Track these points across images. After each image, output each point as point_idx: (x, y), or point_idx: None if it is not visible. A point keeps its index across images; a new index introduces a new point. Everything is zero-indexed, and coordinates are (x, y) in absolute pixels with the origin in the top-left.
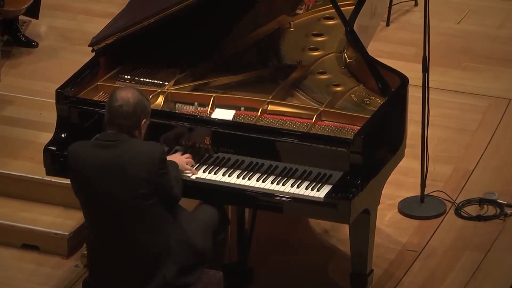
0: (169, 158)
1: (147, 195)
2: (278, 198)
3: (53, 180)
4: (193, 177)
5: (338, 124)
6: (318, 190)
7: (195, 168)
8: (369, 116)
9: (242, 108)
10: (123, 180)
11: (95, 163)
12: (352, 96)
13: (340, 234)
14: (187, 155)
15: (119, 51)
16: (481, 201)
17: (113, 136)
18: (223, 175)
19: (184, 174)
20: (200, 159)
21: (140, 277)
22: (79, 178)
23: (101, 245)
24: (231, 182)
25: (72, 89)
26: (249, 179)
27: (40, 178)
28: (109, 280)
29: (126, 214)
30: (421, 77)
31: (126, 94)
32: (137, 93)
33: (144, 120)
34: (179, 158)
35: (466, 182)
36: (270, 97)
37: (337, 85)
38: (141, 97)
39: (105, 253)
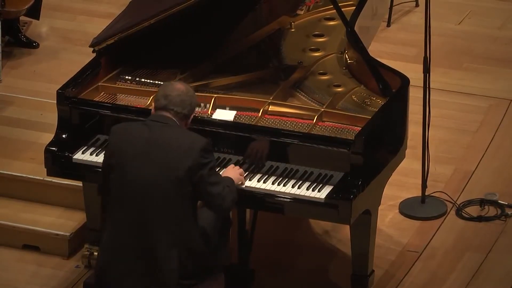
0: (224, 173)
1: (181, 181)
2: (279, 198)
3: (54, 180)
4: None
5: (339, 125)
6: (319, 191)
7: None
8: (370, 117)
9: (243, 109)
10: (162, 161)
11: (137, 139)
12: (353, 96)
13: (340, 235)
14: (239, 170)
15: (120, 52)
16: (482, 202)
17: (164, 118)
18: None
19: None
20: None
21: (146, 271)
22: (116, 155)
23: (116, 230)
24: None
25: (73, 89)
26: (250, 179)
27: (41, 178)
28: (115, 266)
29: (154, 199)
30: (422, 78)
31: (182, 86)
32: (190, 88)
33: (192, 115)
34: (233, 173)
35: (467, 183)
36: (271, 98)
37: (338, 86)
38: (193, 92)
39: (119, 239)
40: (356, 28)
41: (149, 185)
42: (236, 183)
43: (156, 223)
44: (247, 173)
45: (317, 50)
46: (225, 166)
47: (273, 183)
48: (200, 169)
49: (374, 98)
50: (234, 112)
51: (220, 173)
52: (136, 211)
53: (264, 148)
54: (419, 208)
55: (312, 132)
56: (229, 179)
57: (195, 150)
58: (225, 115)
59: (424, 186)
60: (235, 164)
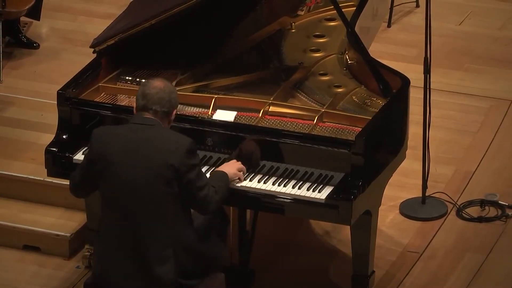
0: (220, 168)
1: (169, 182)
2: (280, 199)
3: (54, 181)
4: None
5: (339, 125)
6: (319, 192)
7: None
8: (370, 118)
9: (244, 110)
10: (148, 161)
11: (121, 142)
12: (354, 97)
13: (341, 235)
14: (239, 165)
15: (120, 53)
16: (483, 203)
17: (146, 120)
18: None
19: (233, 183)
20: (201, 161)
21: (142, 273)
22: (101, 159)
23: (110, 234)
24: (232, 183)
25: (74, 90)
26: (250, 180)
27: (42, 179)
28: (112, 270)
29: (143, 200)
30: (423, 78)
31: (160, 83)
32: (169, 84)
33: (174, 111)
34: (230, 167)
35: (467, 184)
36: (272, 99)
37: (339, 87)
38: (173, 88)
39: (113, 243)
40: (356, 29)
41: (137, 188)
42: (231, 178)
43: (147, 225)
44: (247, 173)
45: (317, 50)
46: None
47: (273, 184)
48: (187, 172)
49: (375, 99)
50: (234, 113)
51: (219, 167)
52: (127, 214)
53: (261, 148)
54: (419, 208)
55: (313, 133)
56: (219, 176)
57: (180, 151)
58: (226, 115)
59: (424, 186)
60: None
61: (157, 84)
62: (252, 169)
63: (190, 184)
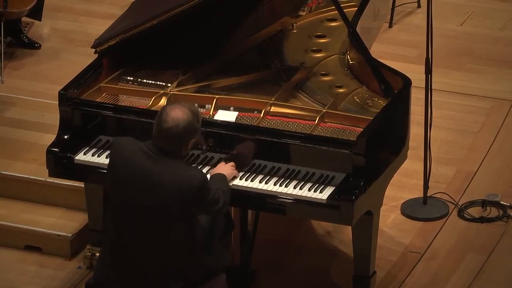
0: (215, 170)
1: (176, 216)
2: (281, 199)
3: (56, 181)
4: None
5: (341, 125)
6: (321, 192)
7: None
8: (372, 118)
9: (245, 110)
10: (158, 197)
11: (135, 168)
12: (355, 97)
13: (342, 235)
14: (231, 164)
15: (122, 53)
16: (484, 203)
17: (160, 151)
18: None
19: (234, 183)
20: (202, 161)
21: (148, 285)
22: (111, 174)
23: (112, 248)
24: (234, 183)
25: (75, 90)
26: (252, 180)
27: (43, 179)
28: (112, 282)
29: (149, 226)
30: (424, 79)
31: (177, 115)
32: (188, 115)
33: (192, 140)
34: (225, 168)
35: (468, 184)
36: (273, 99)
37: (340, 87)
38: (191, 120)
39: (114, 257)
40: (358, 29)
41: (143, 215)
42: (229, 178)
43: (148, 251)
44: (249, 173)
45: (319, 51)
46: None
47: (275, 184)
48: (201, 202)
49: (376, 99)
50: (236, 113)
51: (212, 169)
52: (129, 239)
53: (262, 149)
54: (421, 209)
55: (314, 133)
56: (220, 180)
57: (192, 190)
58: (227, 116)
59: (426, 187)
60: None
61: (174, 116)
62: (250, 169)
63: (206, 208)
